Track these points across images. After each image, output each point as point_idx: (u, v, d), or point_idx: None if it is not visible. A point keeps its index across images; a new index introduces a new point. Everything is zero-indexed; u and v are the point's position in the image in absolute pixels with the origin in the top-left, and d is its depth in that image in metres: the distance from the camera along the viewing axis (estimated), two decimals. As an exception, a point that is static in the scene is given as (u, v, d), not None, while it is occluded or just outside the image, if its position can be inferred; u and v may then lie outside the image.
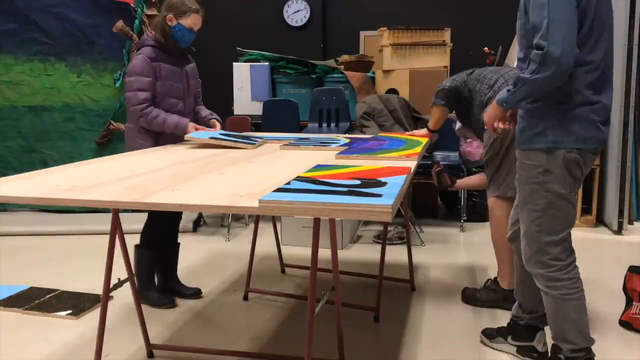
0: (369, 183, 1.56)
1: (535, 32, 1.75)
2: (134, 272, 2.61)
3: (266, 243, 3.74)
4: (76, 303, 2.84)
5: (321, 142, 2.73)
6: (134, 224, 4.20)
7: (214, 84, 5.68)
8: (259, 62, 5.17)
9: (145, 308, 2.38)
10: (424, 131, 2.99)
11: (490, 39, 5.21)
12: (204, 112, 3.05)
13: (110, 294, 2.89)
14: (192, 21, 2.75)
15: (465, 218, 4.39)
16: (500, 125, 2.06)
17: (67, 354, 2.33)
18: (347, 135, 3.37)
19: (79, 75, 4.74)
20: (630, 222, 4.35)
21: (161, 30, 2.76)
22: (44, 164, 4.76)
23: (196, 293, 2.98)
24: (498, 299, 2.75)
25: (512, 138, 2.30)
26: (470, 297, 2.83)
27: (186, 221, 4.26)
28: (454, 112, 2.89)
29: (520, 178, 1.99)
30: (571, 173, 1.88)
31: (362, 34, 6.00)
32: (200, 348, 2.34)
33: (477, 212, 4.48)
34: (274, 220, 3.30)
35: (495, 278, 2.81)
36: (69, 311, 2.74)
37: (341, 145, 2.57)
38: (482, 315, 2.69)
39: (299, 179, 1.64)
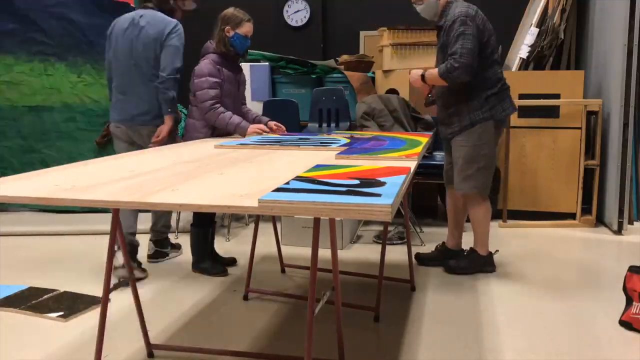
0: (368, 183, 1.56)
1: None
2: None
3: (266, 243, 3.74)
4: (71, 304, 2.82)
5: (321, 142, 2.73)
6: (134, 224, 4.21)
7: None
8: (259, 62, 5.17)
9: (145, 308, 2.38)
10: (418, 72, 3.19)
11: (490, 39, 5.20)
12: (251, 114, 3.52)
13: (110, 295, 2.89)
14: (246, 29, 3.23)
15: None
16: None
17: (67, 354, 2.33)
18: (342, 134, 3.37)
19: (79, 75, 4.74)
20: (630, 222, 4.35)
21: (222, 41, 3.22)
22: (44, 164, 4.76)
23: (233, 262, 3.50)
24: (479, 265, 3.25)
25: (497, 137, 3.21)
26: (454, 267, 3.26)
27: (186, 221, 4.26)
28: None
29: None
30: None
31: (362, 34, 6.00)
32: (200, 348, 2.34)
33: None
34: (274, 220, 3.30)
35: (472, 248, 3.29)
36: (60, 313, 2.71)
37: (341, 145, 2.57)
38: (482, 315, 2.69)
39: (298, 178, 1.64)
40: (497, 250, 3.40)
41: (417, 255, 3.46)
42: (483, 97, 3.09)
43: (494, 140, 3.19)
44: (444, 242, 3.51)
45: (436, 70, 3.05)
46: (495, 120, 3.11)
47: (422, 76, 3.14)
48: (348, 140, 2.81)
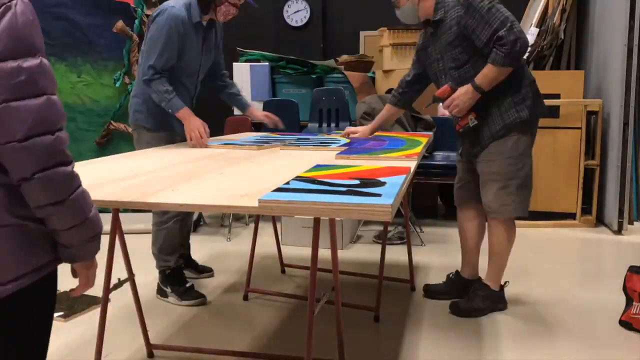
0: (369, 183, 1.56)
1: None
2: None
3: (266, 243, 3.74)
4: (71, 304, 2.81)
5: (321, 142, 2.73)
6: (134, 224, 4.21)
7: (214, 84, 5.67)
8: (259, 62, 5.17)
9: (145, 308, 2.38)
10: (364, 128, 3.02)
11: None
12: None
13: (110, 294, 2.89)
14: None
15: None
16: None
17: (67, 354, 2.33)
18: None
19: (79, 75, 4.73)
20: (630, 222, 4.34)
21: None
22: (44, 164, 4.75)
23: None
24: (494, 302, 2.70)
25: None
26: (467, 309, 2.68)
27: (186, 221, 4.25)
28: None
29: None
30: None
31: (362, 34, 6.00)
32: (200, 348, 2.34)
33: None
34: (274, 220, 3.30)
35: (483, 283, 2.73)
36: (60, 313, 2.70)
37: (341, 146, 2.57)
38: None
39: (298, 178, 1.64)
40: (507, 282, 2.76)
41: (426, 287, 2.96)
42: (522, 88, 2.51)
43: (531, 148, 2.61)
44: (457, 272, 2.94)
45: (487, 68, 2.43)
46: (532, 120, 2.54)
47: (477, 87, 2.46)
48: (348, 140, 2.80)
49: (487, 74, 2.43)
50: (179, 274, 2.94)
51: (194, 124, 2.66)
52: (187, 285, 2.90)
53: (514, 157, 2.53)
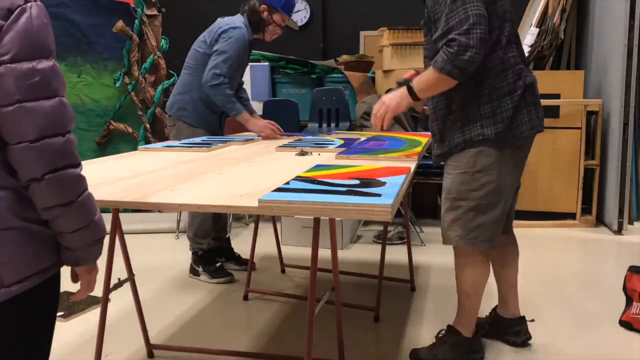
0: (368, 183, 1.56)
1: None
2: None
3: (266, 243, 3.74)
4: (71, 304, 2.81)
5: (316, 143, 2.72)
6: (134, 224, 4.21)
7: (214, 84, 5.67)
8: (259, 62, 5.17)
9: (145, 308, 2.38)
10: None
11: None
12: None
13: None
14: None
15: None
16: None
17: (67, 354, 2.33)
18: (342, 134, 3.36)
19: (79, 75, 4.74)
20: (630, 222, 4.34)
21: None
22: (44, 164, 4.75)
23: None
24: (463, 351, 2.19)
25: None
26: (430, 358, 2.18)
27: (186, 221, 4.25)
28: None
29: None
30: None
31: (362, 34, 6.00)
32: (200, 348, 2.34)
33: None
34: (274, 220, 3.31)
35: (451, 327, 2.23)
36: (61, 313, 2.70)
37: (338, 147, 2.56)
38: (482, 315, 2.68)
39: (298, 178, 1.64)
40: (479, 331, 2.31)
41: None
42: (494, 100, 1.97)
43: (505, 167, 2.03)
44: (495, 308, 2.48)
45: (427, 70, 1.96)
46: (500, 140, 1.99)
47: (408, 88, 1.99)
48: (342, 142, 2.78)
49: (423, 76, 1.98)
50: (210, 255, 3.28)
51: (261, 124, 3.13)
52: (217, 265, 3.26)
53: (469, 173, 2.01)
